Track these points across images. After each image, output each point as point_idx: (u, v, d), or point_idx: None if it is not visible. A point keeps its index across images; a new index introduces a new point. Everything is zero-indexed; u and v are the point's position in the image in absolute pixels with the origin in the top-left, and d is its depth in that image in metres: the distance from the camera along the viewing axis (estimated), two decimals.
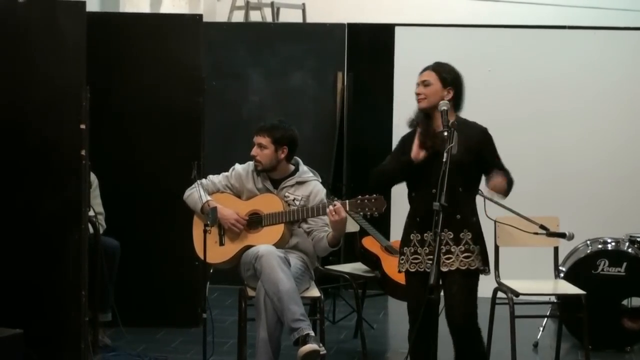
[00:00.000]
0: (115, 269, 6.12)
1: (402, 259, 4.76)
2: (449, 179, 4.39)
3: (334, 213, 5.14)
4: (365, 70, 8.05)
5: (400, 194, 7.82)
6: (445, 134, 4.49)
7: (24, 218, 5.46)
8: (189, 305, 6.53)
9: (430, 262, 4.50)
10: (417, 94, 4.71)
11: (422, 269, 4.64)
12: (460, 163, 4.53)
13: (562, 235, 5.63)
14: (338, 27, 8.12)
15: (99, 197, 6.16)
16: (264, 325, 5.13)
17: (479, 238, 4.69)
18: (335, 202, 5.21)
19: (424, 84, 4.69)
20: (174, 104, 6.62)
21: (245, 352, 5.39)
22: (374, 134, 8.00)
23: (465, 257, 4.61)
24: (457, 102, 4.71)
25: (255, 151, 5.45)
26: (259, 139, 5.45)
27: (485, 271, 4.72)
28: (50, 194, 5.42)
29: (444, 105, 4.61)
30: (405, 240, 4.76)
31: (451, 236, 4.62)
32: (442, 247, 4.58)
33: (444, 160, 4.41)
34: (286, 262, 5.21)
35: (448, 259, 4.61)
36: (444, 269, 4.58)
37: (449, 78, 4.68)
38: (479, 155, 4.66)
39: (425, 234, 4.63)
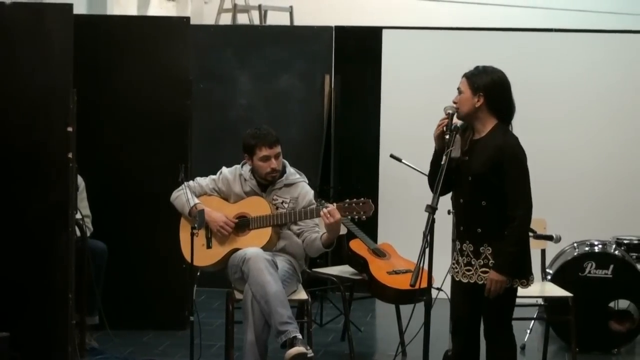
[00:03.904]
0: (103, 272, 6.10)
1: (451, 265, 4.69)
2: (471, 191, 4.43)
3: (328, 216, 5.15)
4: (353, 73, 8.04)
5: (388, 197, 7.91)
6: (447, 137, 4.43)
7: (10, 220, 5.43)
8: (176, 308, 6.52)
9: (470, 272, 4.49)
10: (454, 103, 4.53)
11: (458, 279, 4.56)
12: (479, 176, 4.41)
13: (549, 238, 5.64)
14: (325, 29, 8.10)
15: (85, 199, 6.14)
16: (251, 328, 5.12)
17: None
18: (329, 205, 5.21)
19: (458, 92, 4.50)
20: (162, 106, 6.60)
21: (233, 355, 5.38)
22: (362, 137, 8.02)
23: (483, 272, 4.46)
24: (494, 108, 4.48)
25: (277, 163, 5.40)
26: (276, 149, 5.39)
27: (514, 284, 4.48)
28: (37, 197, 5.40)
29: (449, 108, 4.49)
30: (453, 247, 4.70)
31: (471, 249, 4.48)
32: (464, 258, 4.51)
33: (442, 162, 4.39)
34: (274, 264, 5.20)
35: (468, 270, 4.51)
36: (464, 280, 4.52)
37: (480, 84, 4.43)
38: (498, 171, 4.39)
39: (464, 244, 4.51)
